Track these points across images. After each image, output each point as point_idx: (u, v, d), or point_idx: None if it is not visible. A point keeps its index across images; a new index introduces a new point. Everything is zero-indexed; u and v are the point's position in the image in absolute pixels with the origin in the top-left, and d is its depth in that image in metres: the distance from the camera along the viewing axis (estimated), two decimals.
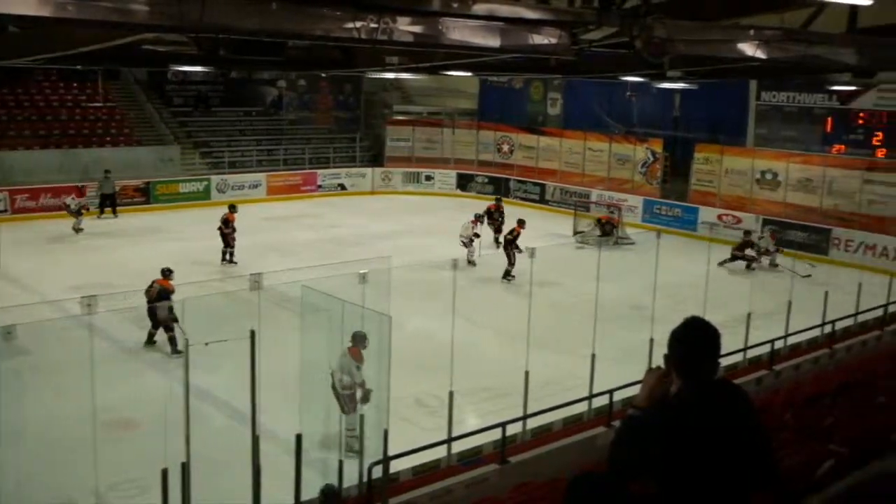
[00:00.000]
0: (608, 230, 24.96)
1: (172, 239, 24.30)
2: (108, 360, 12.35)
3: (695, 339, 3.48)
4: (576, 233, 26.10)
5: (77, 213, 24.09)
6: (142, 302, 14.34)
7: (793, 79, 22.83)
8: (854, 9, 10.79)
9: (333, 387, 10.54)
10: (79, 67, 24.19)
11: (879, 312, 14.95)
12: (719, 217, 26.39)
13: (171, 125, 32.46)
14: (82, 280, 18.05)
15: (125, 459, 10.14)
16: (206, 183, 30.34)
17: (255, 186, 31.40)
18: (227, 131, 33.70)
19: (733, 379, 10.63)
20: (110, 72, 30.93)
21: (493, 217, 24.09)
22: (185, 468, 8.11)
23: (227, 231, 21.29)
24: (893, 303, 15.67)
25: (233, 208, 21.99)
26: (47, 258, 21.15)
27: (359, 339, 10.51)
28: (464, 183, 34.17)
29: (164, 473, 7.99)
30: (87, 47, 8.69)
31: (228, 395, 11.49)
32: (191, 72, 29.54)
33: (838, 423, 5.29)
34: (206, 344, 8.04)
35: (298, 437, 8.80)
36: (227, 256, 21.18)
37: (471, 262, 21.22)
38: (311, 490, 8.88)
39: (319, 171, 33.30)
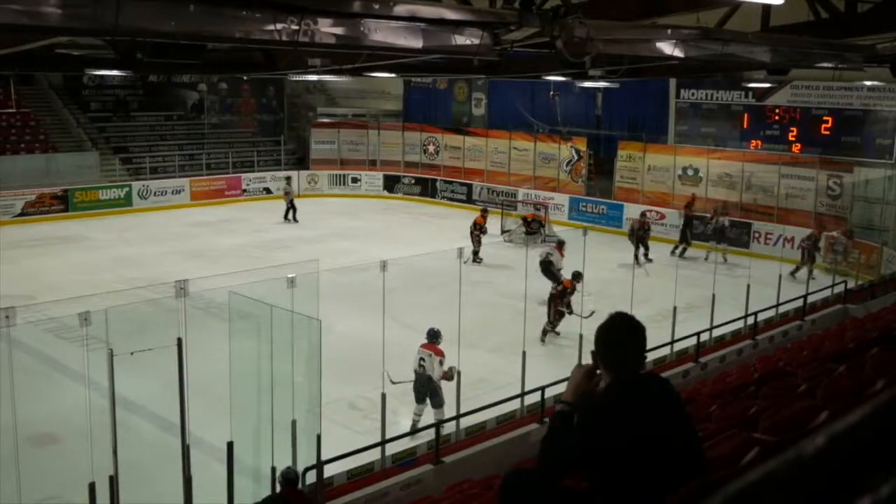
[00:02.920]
0: (535, 228, 25.21)
1: (94, 247, 23.76)
2: (29, 373, 12.01)
3: (620, 334, 3.54)
4: (503, 231, 26.27)
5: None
6: (61, 313, 13.95)
7: (710, 76, 23.35)
8: (767, 8, 11.11)
9: (431, 385, 11.70)
10: None
11: (799, 303, 15.40)
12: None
13: (89, 131, 31.68)
14: None
15: (50, 475, 9.87)
16: (126, 189, 29.71)
17: (178, 192, 30.87)
18: (147, 136, 33.05)
19: (661, 372, 10.89)
20: (23, 76, 30.03)
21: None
22: (113, 481, 7.93)
23: (475, 233, 22.65)
24: (812, 293, 16.17)
25: (483, 211, 23.83)
26: None
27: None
28: (391, 184, 34.16)
29: (92, 487, 7.81)
30: None
31: (156, 405, 11.27)
32: (108, 76, 28.91)
33: (762, 411, 5.43)
34: (132, 353, 7.89)
35: (230, 445, 8.68)
36: (473, 256, 21.96)
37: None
38: (243, 497, 8.78)
39: (244, 175, 32.94)
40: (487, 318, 15.83)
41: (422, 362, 11.74)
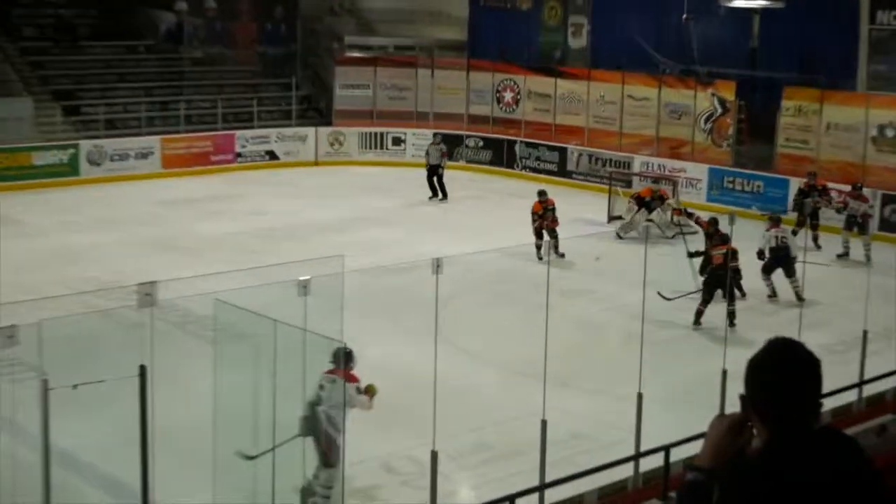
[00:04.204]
0: (656, 206, 24.57)
1: (24, 234, 24.11)
2: None
3: (784, 371, 3.47)
4: (612, 218, 26.06)
5: None
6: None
7: None
8: None
9: (318, 426, 10.80)
10: None
11: None
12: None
13: (20, 67, 32.21)
14: None
15: None
16: (72, 152, 30.09)
17: (145, 156, 31.25)
18: (101, 76, 33.51)
19: (844, 428, 10.71)
20: None
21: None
22: None
23: (534, 224, 22.49)
24: None
25: (540, 194, 23.26)
26: None
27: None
28: (449, 148, 33.94)
29: None
30: None
31: (107, 460, 11.44)
32: None
33: None
34: (74, 387, 7.98)
35: None
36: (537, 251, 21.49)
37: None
38: None
39: (238, 133, 33.22)
40: (585, 345, 15.78)
41: (320, 392, 10.97)
